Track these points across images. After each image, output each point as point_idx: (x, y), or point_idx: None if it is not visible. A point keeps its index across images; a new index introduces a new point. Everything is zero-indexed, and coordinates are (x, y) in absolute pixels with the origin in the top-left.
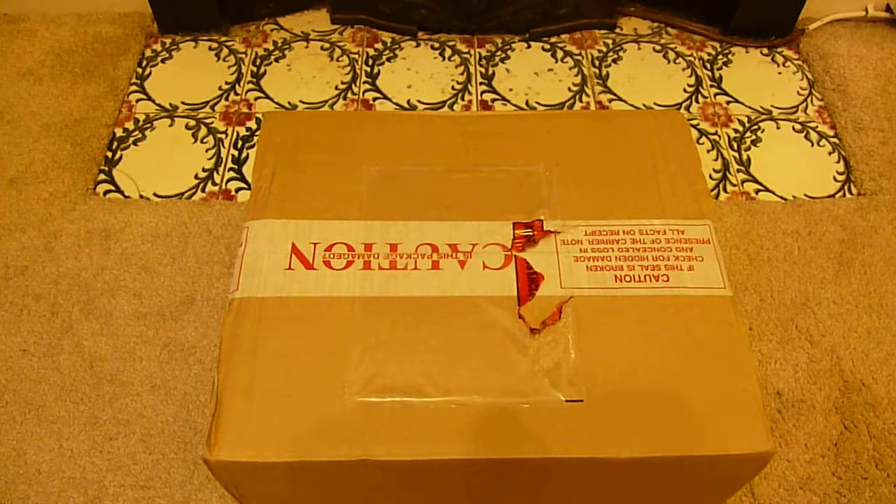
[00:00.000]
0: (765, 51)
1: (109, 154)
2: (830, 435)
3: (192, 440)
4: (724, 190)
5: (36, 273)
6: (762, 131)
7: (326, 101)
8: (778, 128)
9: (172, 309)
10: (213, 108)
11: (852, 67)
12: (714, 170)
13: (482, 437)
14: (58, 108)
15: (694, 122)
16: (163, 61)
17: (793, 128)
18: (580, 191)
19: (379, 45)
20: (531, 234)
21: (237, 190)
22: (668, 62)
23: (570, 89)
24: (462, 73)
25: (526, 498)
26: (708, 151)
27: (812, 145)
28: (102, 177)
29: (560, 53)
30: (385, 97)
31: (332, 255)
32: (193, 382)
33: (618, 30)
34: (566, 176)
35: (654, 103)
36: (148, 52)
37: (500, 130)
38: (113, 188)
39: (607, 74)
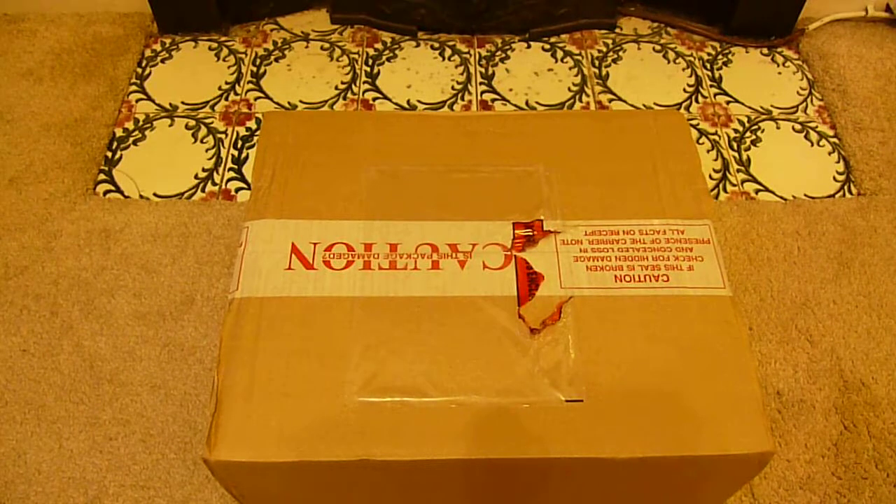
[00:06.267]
0: (765, 51)
1: (109, 154)
2: (830, 435)
3: (192, 440)
4: (724, 190)
5: (36, 273)
6: (762, 131)
7: (326, 101)
8: (778, 128)
9: (172, 309)
10: (213, 108)
11: (852, 67)
12: (714, 170)
13: (482, 437)
14: (58, 108)
15: (694, 122)
16: (163, 61)
17: (793, 128)
18: (580, 191)
19: (379, 45)
20: (531, 234)
21: (237, 190)
22: (668, 62)
23: (570, 89)
24: (462, 73)
25: (526, 498)
26: (708, 151)
27: (812, 145)
28: (102, 177)
29: (560, 53)
30: (385, 97)
31: (331, 255)
32: (193, 382)
33: (618, 30)
34: (566, 176)
35: (654, 103)
36: (148, 52)
37: (499, 130)
38: (113, 188)
39: (607, 74)
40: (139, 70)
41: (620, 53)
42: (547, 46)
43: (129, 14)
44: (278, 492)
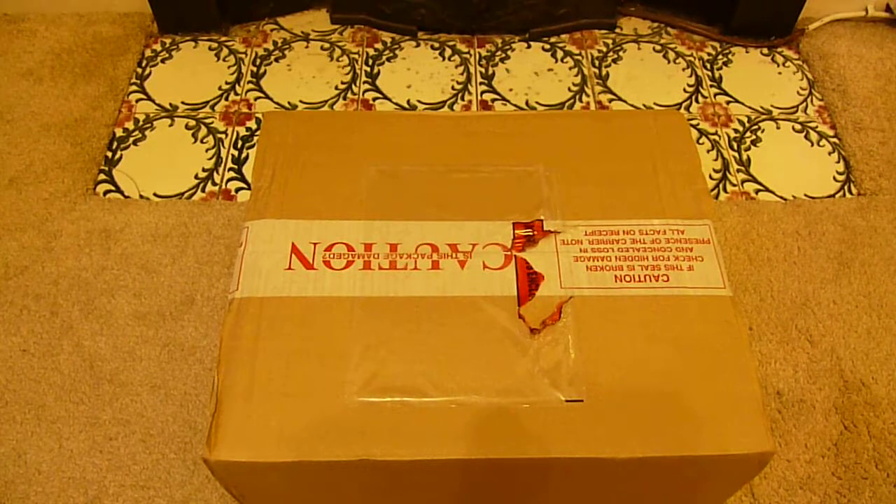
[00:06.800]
0: (765, 51)
1: (109, 154)
2: (830, 435)
3: (192, 440)
4: (724, 190)
5: (36, 273)
6: (762, 131)
7: (326, 101)
8: (778, 128)
9: (172, 309)
10: (213, 108)
11: (852, 67)
12: (714, 170)
13: (482, 437)
14: (58, 108)
15: (694, 122)
16: (163, 61)
17: (793, 128)
18: (580, 191)
19: (379, 45)
20: (531, 234)
21: (237, 190)
22: (668, 62)
23: (570, 89)
24: (462, 73)
25: (526, 498)
26: (708, 151)
27: (812, 145)
28: (102, 177)
29: (560, 53)
30: (385, 97)
31: (331, 255)
32: (193, 382)
33: (618, 30)
34: (566, 176)
35: (654, 103)
36: (148, 52)
37: (500, 130)
38: (113, 188)
39: (607, 74)
40: (139, 70)
41: (620, 53)
42: (547, 46)
43: (129, 14)
44: (278, 492)
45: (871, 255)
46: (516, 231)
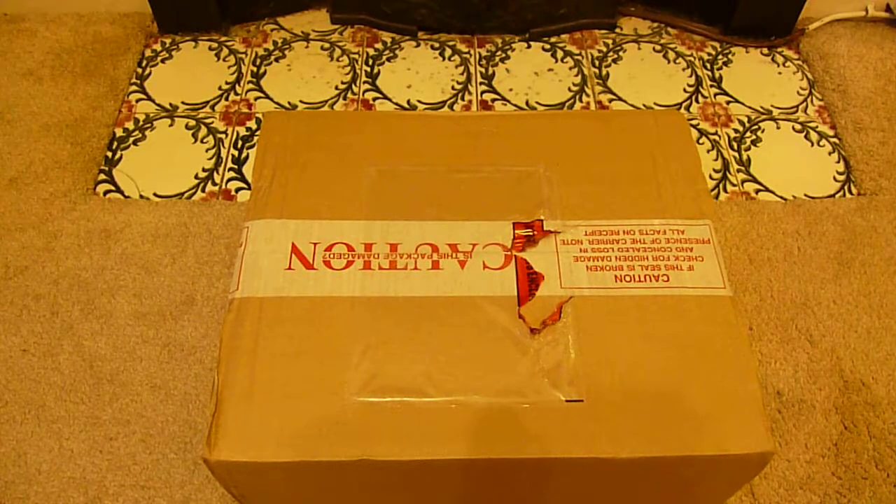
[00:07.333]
0: (765, 51)
1: (109, 154)
2: (830, 435)
3: (192, 440)
4: (724, 190)
5: (36, 273)
6: (762, 131)
7: (326, 101)
8: (778, 128)
9: (172, 309)
10: (213, 108)
11: (852, 67)
12: (714, 170)
13: (482, 437)
14: (58, 108)
15: (694, 122)
16: (163, 61)
17: (793, 128)
18: (580, 191)
19: (379, 45)
20: (531, 234)
21: (237, 190)
22: (668, 62)
23: (570, 89)
24: (462, 73)
25: (526, 498)
26: (708, 151)
27: (812, 145)
28: (102, 177)
29: (560, 53)
30: (385, 97)
31: (332, 255)
32: (193, 382)
33: (618, 30)
34: (566, 176)
35: (654, 103)
36: (148, 52)
37: (500, 130)
38: (113, 188)
39: (607, 74)
40: (139, 70)
41: (620, 53)
42: (547, 46)
43: (129, 14)
44: (278, 492)
45: (871, 255)
46: (516, 231)
